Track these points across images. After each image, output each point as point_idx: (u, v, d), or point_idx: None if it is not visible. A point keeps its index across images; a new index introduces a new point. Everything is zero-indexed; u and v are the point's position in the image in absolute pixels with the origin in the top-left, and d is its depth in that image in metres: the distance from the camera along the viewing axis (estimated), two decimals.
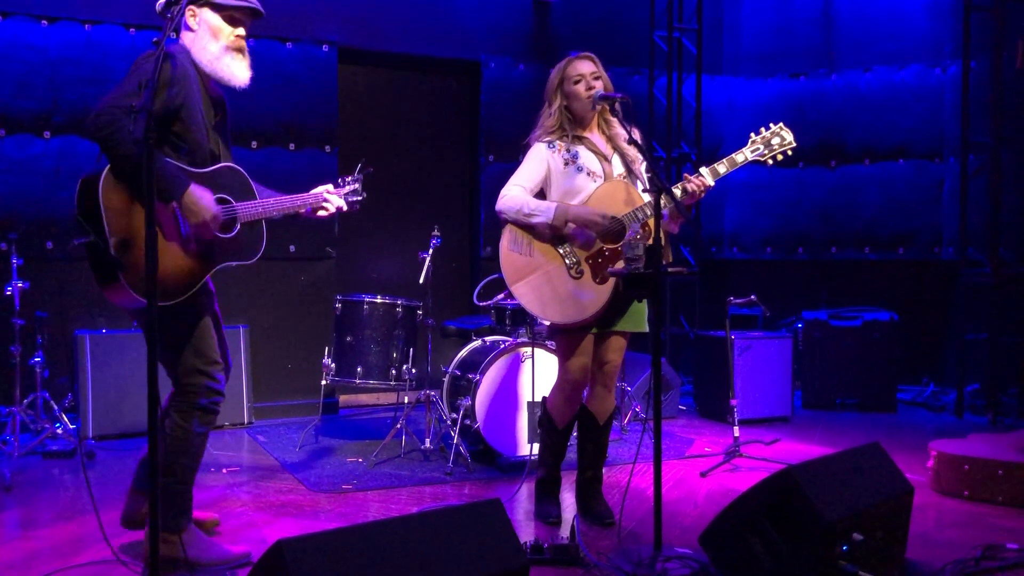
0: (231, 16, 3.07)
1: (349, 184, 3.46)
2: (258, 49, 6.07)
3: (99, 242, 2.79)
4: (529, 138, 3.72)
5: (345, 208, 3.41)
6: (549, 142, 3.63)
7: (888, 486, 3.11)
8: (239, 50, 3.09)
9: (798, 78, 7.62)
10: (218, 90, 3.20)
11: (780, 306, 7.00)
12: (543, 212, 3.48)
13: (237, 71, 3.09)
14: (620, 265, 3.37)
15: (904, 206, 7.25)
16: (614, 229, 3.48)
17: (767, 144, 3.54)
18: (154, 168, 2.55)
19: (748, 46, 7.82)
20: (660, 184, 3.13)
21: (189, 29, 3.06)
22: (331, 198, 3.35)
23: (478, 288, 5.31)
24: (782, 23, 7.70)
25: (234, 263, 3.11)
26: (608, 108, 3.58)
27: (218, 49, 3.06)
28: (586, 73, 3.59)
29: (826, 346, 6.57)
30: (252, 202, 3.13)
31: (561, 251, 3.52)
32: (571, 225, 3.48)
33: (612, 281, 3.47)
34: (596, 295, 3.48)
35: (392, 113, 6.81)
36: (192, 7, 3.04)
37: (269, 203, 3.18)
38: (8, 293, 4.75)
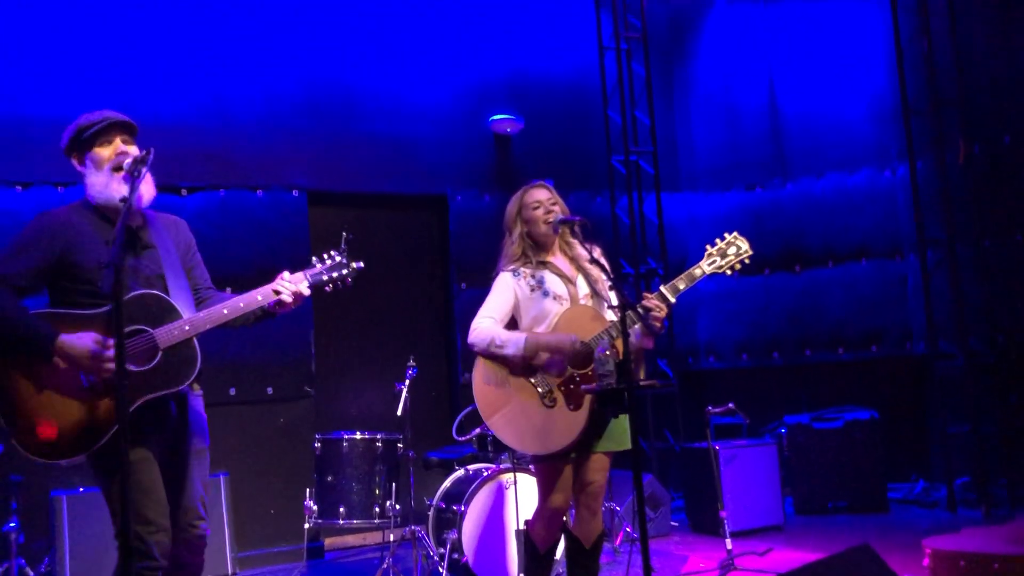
0: (101, 140, 2.96)
1: (327, 260, 3.14)
2: (228, 198, 6.25)
3: None
4: (497, 268, 3.79)
5: (307, 293, 3.06)
6: (514, 270, 3.69)
7: None
8: (120, 168, 2.90)
9: (754, 189, 7.89)
10: (146, 221, 3.07)
11: (762, 412, 7.01)
12: (513, 343, 3.50)
13: (116, 190, 2.89)
14: (593, 383, 3.39)
15: (871, 305, 7.40)
16: (582, 353, 3.51)
17: (723, 255, 3.54)
18: (26, 328, 2.65)
19: (703, 162, 8.12)
20: (625, 301, 3.20)
21: (84, 176, 2.98)
22: (284, 287, 3.01)
23: (456, 422, 5.30)
24: (734, 139, 8.04)
25: (160, 393, 2.83)
26: (569, 231, 3.69)
27: (104, 178, 2.93)
28: (543, 199, 3.71)
29: (811, 450, 6.55)
30: (173, 324, 2.85)
31: (533, 380, 3.52)
32: (543, 354, 3.50)
33: (587, 406, 3.46)
34: (572, 422, 3.47)
35: (364, 249, 6.84)
36: (75, 154, 3.01)
37: (199, 318, 2.88)
38: None
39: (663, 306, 3.44)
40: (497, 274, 3.77)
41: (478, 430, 5.01)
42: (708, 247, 3.58)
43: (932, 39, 6.72)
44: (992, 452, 6.29)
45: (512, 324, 3.70)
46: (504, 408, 3.51)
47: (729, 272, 3.55)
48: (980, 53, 6.68)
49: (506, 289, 3.68)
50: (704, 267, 3.53)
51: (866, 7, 7.56)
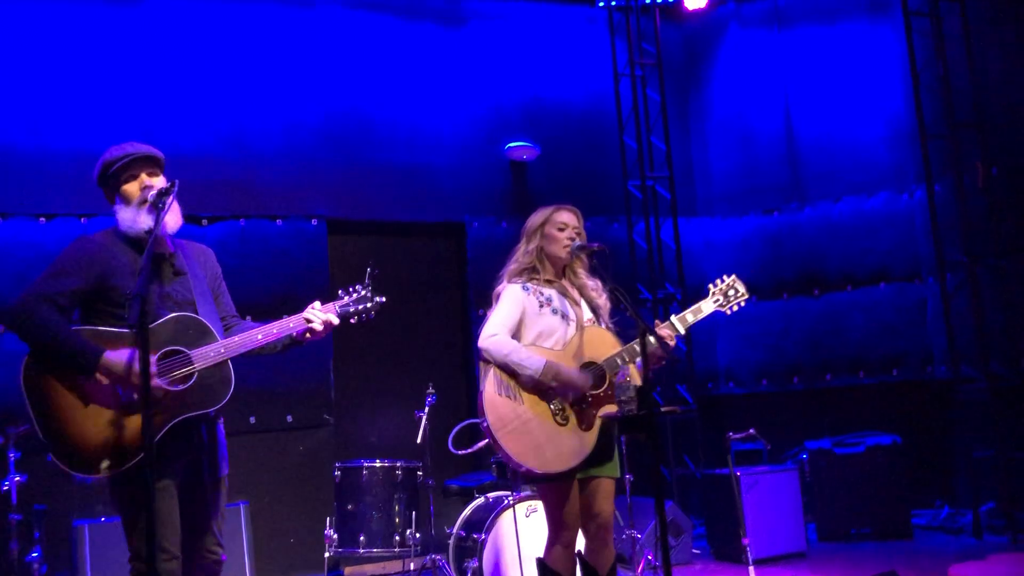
0: (127, 176, 3.03)
1: (353, 293, 3.26)
2: (248, 228, 6.31)
3: (33, 425, 2.79)
4: (502, 272, 3.81)
5: (337, 322, 3.16)
6: (524, 284, 3.71)
7: None
8: (145, 202, 2.99)
9: (771, 213, 7.87)
10: (177, 249, 3.14)
11: (782, 437, 6.95)
12: (532, 366, 3.48)
13: (144, 222, 2.97)
14: (613, 408, 3.40)
15: (891, 328, 7.34)
16: (596, 375, 3.52)
17: (724, 295, 3.75)
18: (72, 343, 2.68)
19: (719, 187, 8.12)
20: (644, 325, 3.20)
21: (115, 211, 3.07)
22: (315, 315, 3.12)
23: (452, 435, 5.20)
24: (750, 163, 8.04)
25: (193, 413, 2.90)
26: (580, 259, 3.73)
27: (133, 212, 3.01)
28: (571, 224, 3.75)
29: (833, 475, 6.48)
30: (208, 346, 2.94)
31: (545, 396, 3.51)
32: (555, 383, 3.48)
33: (597, 427, 3.47)
34: (582, 442, 3.47)
35: (382, 277, 6.92)
36: (106, 189, 3.07)
37: (234, 342, 2.97)
38: (5, 489, 4.69)
39: (672, 335, 3.56)
40: (500, 281, 3.78)
41: (481, 444, 4.96)
42: (711, 286, 3.77)
43: (947, 62, 6.73)
44: (1018, 477, 6.20)
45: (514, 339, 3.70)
46: (515, 422, 3.47)
47: (728, 312, 3.75)
48: (996, 76, 6.68)
49: (516, 303, 3.67)
50: (710, 303, 3.74)
51: (880, 30, 7.58)
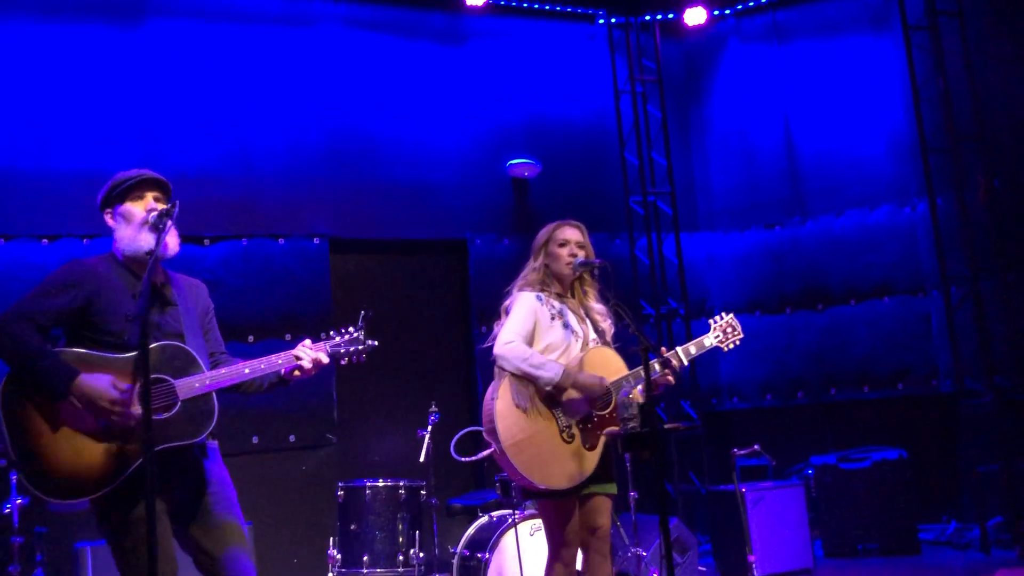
0: (133, 195, 3.02)
1: (345, 335, 3.22)
2: (251, 247, 6.31)
3: (8, 448, 2.72)
4: (511, 286, 3.81)
5: (326, 361, 3.12)
6: (538, 294, 3.72)
7: None
8: (147, 223, 2.96)
9: (773, 228, 7.87)
10: (169, 280, 3.13)
11: (787, 453, 6.92)
12: (551, 370, 3.48)
13: (145, 241, 2.95)
14: (610, 425, 3.41)
15: (895, 342, 7.31)
16: (604, 396, 3.54)
17: (724, 332, 3.87)
18: (44, 364, 2.65)
19: (721, 202, 8.12)
20: (646, 343, 3.20)
21: (113, 231, 3.06)
22: (305, 353, 3.07)
23: (454, 441, 5.13)
24: (751, 178, 8.04)
25: (174, 444, 2.84)
26: (588, 278, 3.74)
27: (133, 231, 2.99)
28: (572, 239, 3.76)
29: (839, 490, 6.45)
30: (194, 376, 2.89)
31: (554, 412, 3.53)
32: (572, 392, 3.50)
33: (600, 447, 3.49)
34: (586, 461, 3.48)
35: (385, 295, 6.98)
36: (108, 210, 3.06)
37: (220, 373, 2.95)
38: (7, 511, 4.67)
39: (677, 365, 3.62)
40: (510, 292, 3.79)
41: (485, 452, 4.91)
42: (711, 322, 3.89)
43: (948, 76, 6.73)
44: None
45: None
46: (525, 435, 3.47)
47: (726, 349, 3.87)
48: (997, 89, 6.69)
49: (530, 311, 3.67)
50: (711, 338, 3.85)
51: (880, 44, 7.59)
